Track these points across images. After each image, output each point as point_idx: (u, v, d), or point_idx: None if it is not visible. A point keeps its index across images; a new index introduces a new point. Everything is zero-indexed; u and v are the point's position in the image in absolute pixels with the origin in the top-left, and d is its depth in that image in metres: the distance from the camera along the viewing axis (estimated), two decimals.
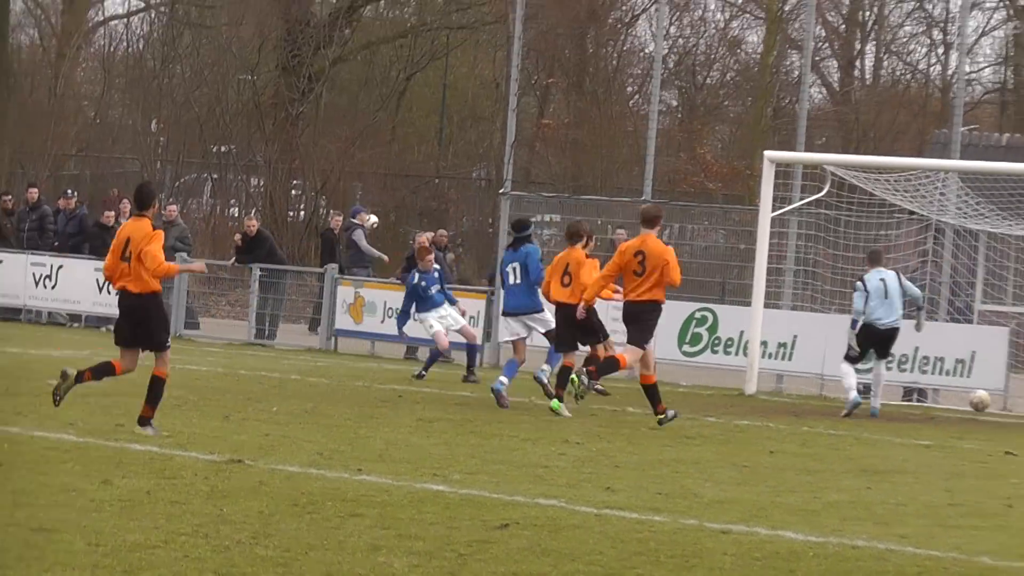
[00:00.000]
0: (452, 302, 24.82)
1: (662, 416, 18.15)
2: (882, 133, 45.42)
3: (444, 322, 24.05)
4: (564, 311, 19.50)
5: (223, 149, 51.76)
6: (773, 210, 24.27)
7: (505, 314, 21.59)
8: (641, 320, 18.47)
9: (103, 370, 14.47)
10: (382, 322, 28.42)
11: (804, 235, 26.28)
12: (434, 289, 23.89)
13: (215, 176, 52.11)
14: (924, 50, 52.38)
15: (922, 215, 25.69)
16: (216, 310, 38.52)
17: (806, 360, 24.65)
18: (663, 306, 18.65)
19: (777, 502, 12.13)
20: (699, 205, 34.10)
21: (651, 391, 18.40)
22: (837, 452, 17.34)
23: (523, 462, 14.19)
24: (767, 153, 25.88)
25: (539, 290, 20.47)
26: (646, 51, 47.76)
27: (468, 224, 48.29)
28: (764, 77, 48.21)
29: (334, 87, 52.82)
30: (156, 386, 14.17)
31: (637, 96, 48.85)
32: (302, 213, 49.14)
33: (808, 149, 28.99)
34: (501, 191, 29.76)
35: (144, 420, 13.98)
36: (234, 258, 32.89)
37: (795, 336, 24.52)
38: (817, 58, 47.80)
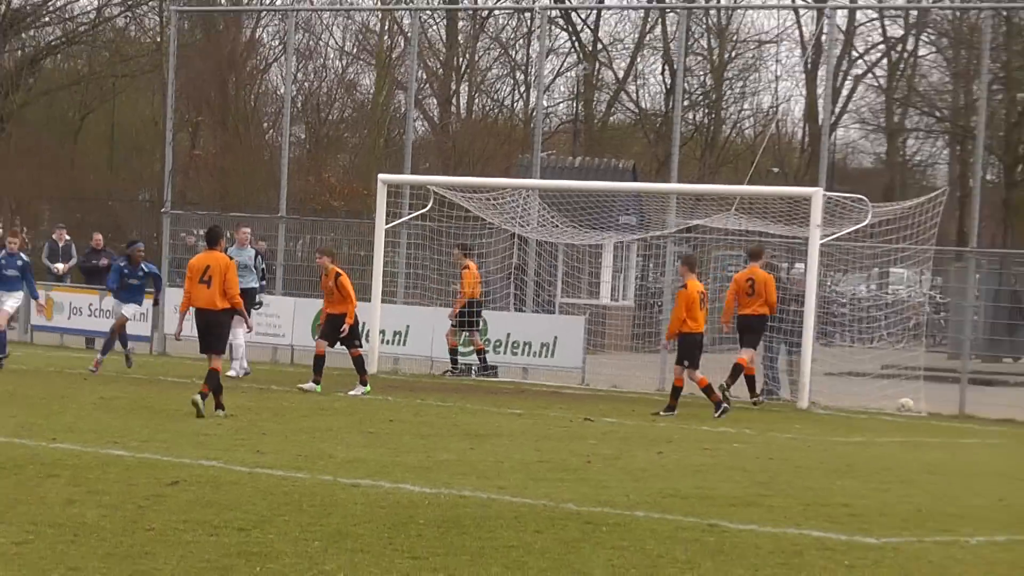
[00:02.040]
0: (33, 296, 25.24)
1: (756, 399, 21.70)
2: (475, 158, 47.10)
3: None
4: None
5: None
6: (387, 223, 26.12)
7: None
8: (753, 329, 21.63)
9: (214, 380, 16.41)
10: (68, 319, 30.25)
11: (413, 244, 28.29)
12: (10, 272, 22.99)
13: None
14: (509, 89, 56.69)
15: (510, 227, 27.45)
16: None
17: (418, 345, 26.92)
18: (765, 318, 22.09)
19: (397, 461, 12.93)
20: (326, 219, 35.03)
21: (750, 380, 21.42)
22: (445, 420, 18.50)
23: (187, 431, 14.97)
24: (381, 176, 27.61)
25: None
26: (278, 93, 47.66)
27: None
28: (376, 113, 51.36)
29: (23, 125, 55.16)
30: (214, 377, 16.32)
31: (272, 130, 49.37)
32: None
33: (414, 172, 30.67)
34: (163, 210, 31.70)
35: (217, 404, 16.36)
36: None
37: (408, 326, 26.69)
38: (420, 96, 49.37)
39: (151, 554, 7.24)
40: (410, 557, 7.57)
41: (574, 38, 55.22)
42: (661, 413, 19.34)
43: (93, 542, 7.51)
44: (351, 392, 20.40)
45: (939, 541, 9.42)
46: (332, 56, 52.41)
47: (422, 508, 9.62)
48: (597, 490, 11.10)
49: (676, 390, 19.79)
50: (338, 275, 20.52)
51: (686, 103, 49.61)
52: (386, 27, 52.22)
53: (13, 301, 23.38)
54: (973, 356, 26.01)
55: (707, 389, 19.64)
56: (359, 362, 21.01)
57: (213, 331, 16.32)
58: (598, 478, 12.12)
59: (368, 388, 20.57)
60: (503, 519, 9.21)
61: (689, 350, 19.49)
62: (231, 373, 21.44)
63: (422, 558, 7.53)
